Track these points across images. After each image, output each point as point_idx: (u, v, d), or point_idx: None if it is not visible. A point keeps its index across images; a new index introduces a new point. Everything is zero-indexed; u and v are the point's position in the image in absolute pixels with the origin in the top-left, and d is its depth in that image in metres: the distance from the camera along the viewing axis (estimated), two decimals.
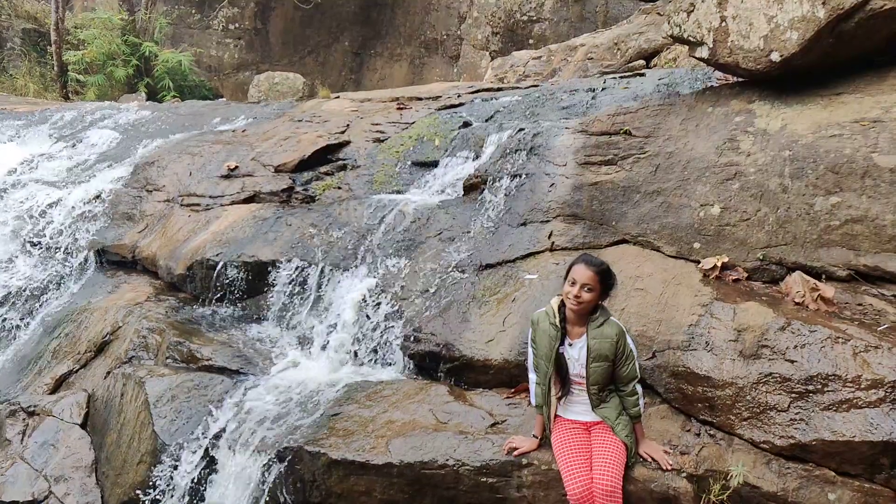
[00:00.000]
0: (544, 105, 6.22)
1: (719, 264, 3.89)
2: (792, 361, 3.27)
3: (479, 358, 4.02)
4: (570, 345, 3.33)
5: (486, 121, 6.27)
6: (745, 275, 3.86)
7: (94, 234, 6.19)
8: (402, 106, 7.37)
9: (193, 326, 4.97)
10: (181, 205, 6.21)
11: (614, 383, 3.35)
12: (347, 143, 6.55)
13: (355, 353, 4.51)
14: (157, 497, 3.86)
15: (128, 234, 6.13)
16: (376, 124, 6.85)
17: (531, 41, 13.03)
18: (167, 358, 4.59)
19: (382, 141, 6.45)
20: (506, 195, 4.90)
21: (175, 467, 3.89)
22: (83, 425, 4.49)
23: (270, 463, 3.66)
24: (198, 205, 6.14)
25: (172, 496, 3.84)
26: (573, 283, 3.25)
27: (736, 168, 4.16)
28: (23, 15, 14.74)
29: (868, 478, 3.02)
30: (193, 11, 16.45)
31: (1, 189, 6.81)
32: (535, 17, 13.23)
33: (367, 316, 4.57)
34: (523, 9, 13.30)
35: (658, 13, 10.26)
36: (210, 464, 3.85)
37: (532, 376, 3.48)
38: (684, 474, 3.21)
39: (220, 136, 7.24)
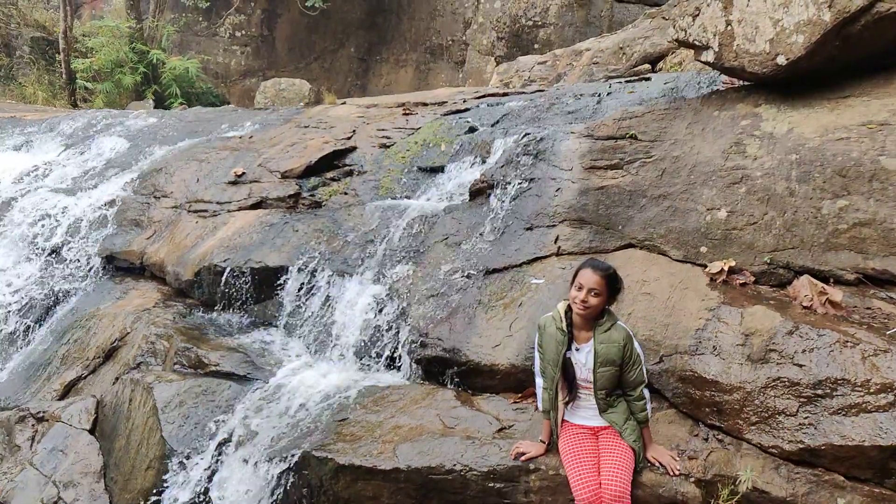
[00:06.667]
0: (550, 110, 6.22)
1: (726, 268, 3.88)
2: (800, 366, 3.26)
3: (485, 363, 4.02)
4: (577, 349, 3.33)
5: (492, 126, 6.27)
6: (753, 279, 3.85)
7: (103, 241, 6.23)
8: (408, 111, 7.38)
9: (201, 332, 4.99)
10: (189, 211, 6.24)
11: (621, 388, 3.35)
12: (354, 148, 6.57)
13: (362, 359, 4.52)
14: (166, 503, 3.87)
15: (136, 241, 6.16)
16: (382, 130, 6.86)
17: (536, 46, 13.03)
18: (175, 363, 4.61)
19: (388, 146, 6.46)
20: (512, 200, 4.91)
21: (183, 473, 3.90)
22: (92, 431, 4.50)
23: (278, 468, 3.66)
24: (205, 211, 6.17)
25: (180, 502, 3.84)
26: (580, 288, 3.25)
27: (742, 172, 4.15)
28: (31, 23, 14.87)
29: (878, 482, 3.01)
30: (200, 19, 16.55)
31: (11, 196, 6.86)
32: (540, 22, 13.24)
33: (374, 321, 4.58)
34: (528, 14, 13.31)
35: (663, 17, 10.25)
36: (217, 469, 3.86)
37: (539, 381, 3.48)
38: (692, 479, 3.20)
39: (227, 142, 7.27)
